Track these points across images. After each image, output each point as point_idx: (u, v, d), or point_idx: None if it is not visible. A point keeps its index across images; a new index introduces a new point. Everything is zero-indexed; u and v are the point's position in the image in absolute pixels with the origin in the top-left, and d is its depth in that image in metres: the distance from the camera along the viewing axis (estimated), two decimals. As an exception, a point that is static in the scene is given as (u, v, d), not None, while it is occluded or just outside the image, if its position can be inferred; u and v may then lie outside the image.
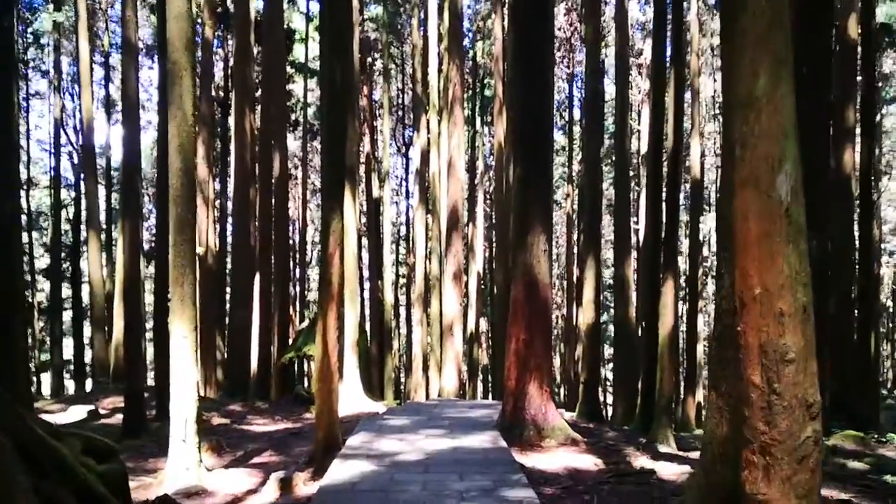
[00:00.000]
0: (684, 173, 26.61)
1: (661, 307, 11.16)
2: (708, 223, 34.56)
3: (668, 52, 13.33)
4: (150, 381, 21.16)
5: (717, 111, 35.91)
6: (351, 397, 15.33)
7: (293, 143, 35.65)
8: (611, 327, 32.59)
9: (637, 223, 31.09)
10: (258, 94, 23.89)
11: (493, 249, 46.84)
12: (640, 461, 9.00)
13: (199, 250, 20.31)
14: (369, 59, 36.49)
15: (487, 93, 40.62)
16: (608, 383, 40.98)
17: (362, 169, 35.54)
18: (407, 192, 43.52)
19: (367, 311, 35.44)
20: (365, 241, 38.06)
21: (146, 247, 27.46)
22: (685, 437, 12.92)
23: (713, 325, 4.73)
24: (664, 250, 11.47)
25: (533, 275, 10.10)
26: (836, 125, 15.24)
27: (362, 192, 37.04)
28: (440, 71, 24.31)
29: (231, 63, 22.69)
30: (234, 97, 18.46)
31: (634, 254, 29.00)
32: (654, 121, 12.89)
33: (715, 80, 35.56)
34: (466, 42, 35.27)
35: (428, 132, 26.74)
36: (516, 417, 9.97)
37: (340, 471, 7.54)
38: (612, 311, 29.63)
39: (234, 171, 18.06)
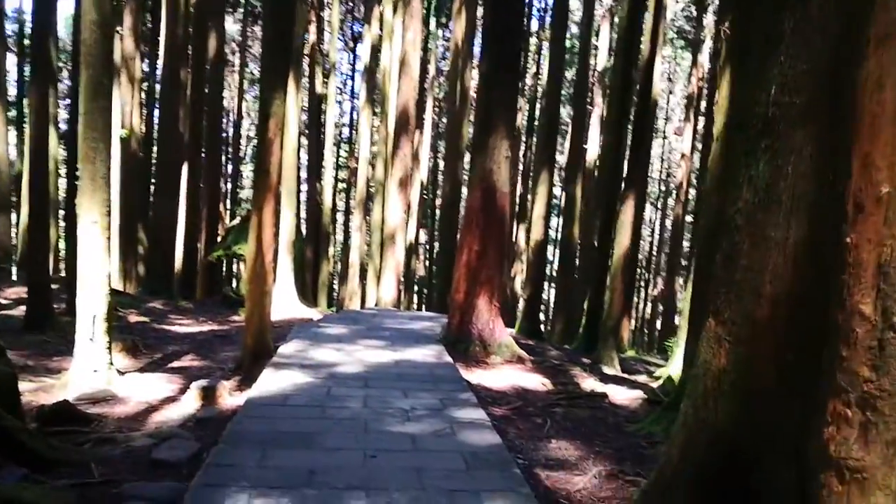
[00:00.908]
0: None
1: (618, 226, 10.58)
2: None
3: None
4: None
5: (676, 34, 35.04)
6: (284, 301, 14.49)
7: (232, 25, 33.17)
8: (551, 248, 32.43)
9: (586, 143, 30.44)
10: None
11: (438, 160, 45.80)
12: (589, 383, 8.57)
13: (123, 132, 18.64)
14: (319, -57, 33.82)
15: (443, -8, 38.54)
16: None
17: (306, 62, 33.53)
18: (353, 91, 41.62)
19: (303, 214, 34.23)
20: (304, 141, 36.41)
21: (65, 127, 25.29)
22: (626, 359, 12.67)
23: (711, 242, 4.01)
24: (631, 168, 10.80)
25: (492, 181, 9.29)
26: None
27: (305, 87, 35.11)
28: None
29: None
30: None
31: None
32: (628, 33, 11.95)
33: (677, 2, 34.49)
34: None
35: (381, 26, 25.04)
36: (463, 331, 9.37)
37: (271, 381, 6.78)
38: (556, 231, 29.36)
39: (163, 47, 16.31)
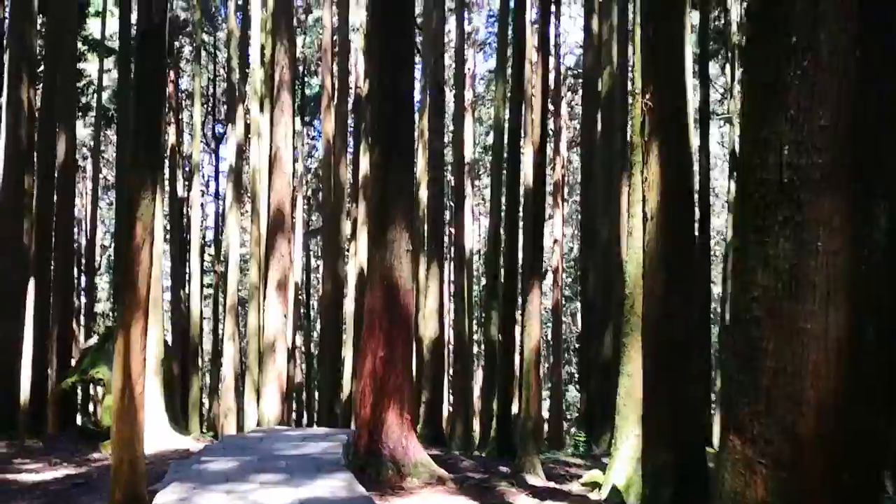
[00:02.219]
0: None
1: (526, 317, 9.98)
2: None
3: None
4: None
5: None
6: (154, 431, 12.65)
7: (84, 130, 31.11)
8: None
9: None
10: (41, 70, 20.05)
11: (311, 259, 44.50)
12: (521, 501, 7.66)
13: (-47, 250, 16.29)
14: (177, 44, 32.94)
15: (308, 92, 38.52)
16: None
17: (166, 164, 31.94)
18: (217, 192, 39.95)
19: (167, 326, 31.67)
20: (166, 247, 34.17)
21: None
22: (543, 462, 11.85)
23: (727, 334, 3.34)
24: (531, 256, 10.34)
25: (393, 278, 8.45)
26: None
27: (165, 192, 33.29)
28: (263, 55, 21.98)
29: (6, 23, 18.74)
30: (7, 58, 14.96)
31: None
32: (513, 117, 11.81)
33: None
34: (288, 35, 32.86)
35: (247, 123, 24.18)
36: (372, 453, 8.23)
37: (148, 549, 5.36)
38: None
39: (3, 149, 14.57)
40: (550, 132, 31.75)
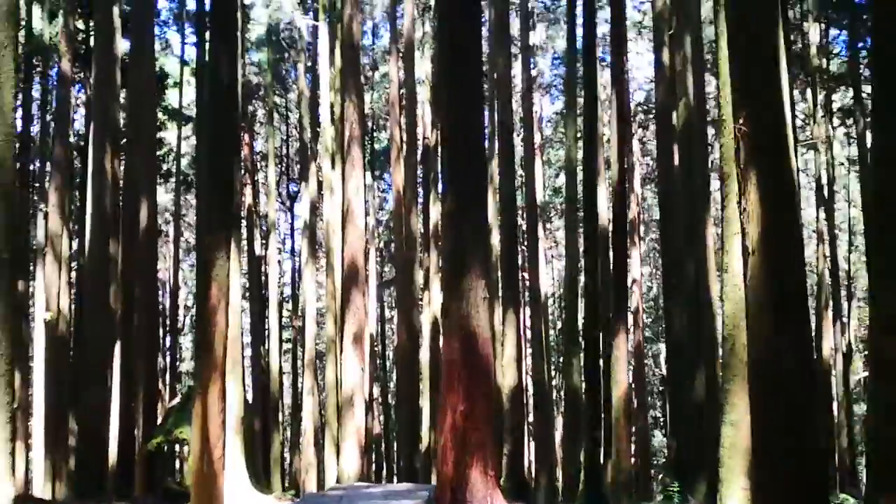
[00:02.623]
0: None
1: (612, 362, 9.46)
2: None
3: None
4: None
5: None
6: (235, 491, 12.57)
7: (165, 195, 32.40)
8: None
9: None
10: (124, 141, 21.07)
11: (385, 311, 44.66)
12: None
13: (47, 315, 16.97)
14: (251, 108, 34.15)
15: (377, 146, 39.18)
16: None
17: (243, 224, 32.83)
18: (293, 249, 40.82)
19: (247, 381, 32.13)
20: (246, 305, 34.89)
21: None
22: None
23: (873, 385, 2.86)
24: (617, 297, 9.86)
25: (471, 328, 8.14)
26: None
27: (243, 252, 34.14)
28: (333, 112, 22.46)
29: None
30: (92, 131, 15.67)
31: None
32: (588, 157, 11.46)
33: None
34: (355, 92, 33.67)
35: (319, 180, 24.63)
36: (456, 512, 7.84)
37: None
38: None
39: (90, 217, 15.14)
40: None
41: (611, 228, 9.96)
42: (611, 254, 10.65)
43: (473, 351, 8.14)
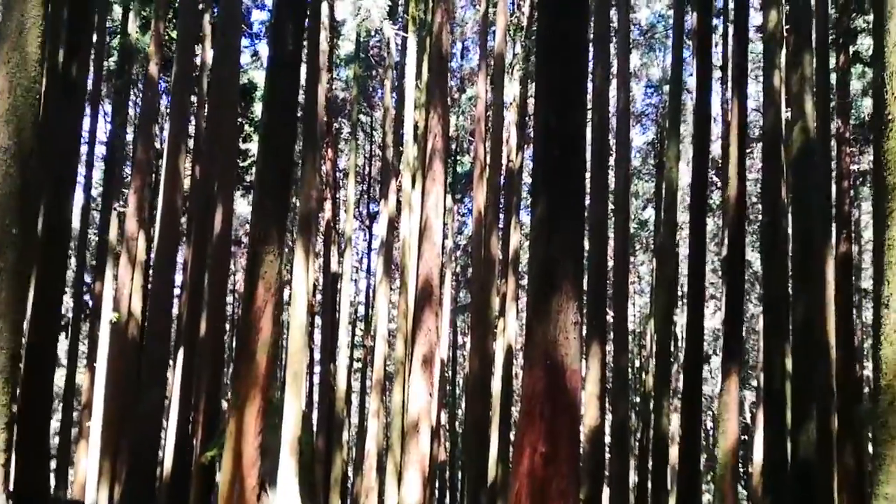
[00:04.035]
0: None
1: (721, 410, 8.06)
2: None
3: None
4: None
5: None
6: (286, 516, 11.67)
7: (245, 207, 32.54)
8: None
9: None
10: (204, 147, 20.93)
11: (458, 337, 43.63)
12: None
13: (113, 316, 16.69)
14: (336, 125, 34.09)
15: (459, 170, 38.55)
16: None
17: (321, 240, 32.59)
18: (368, 268, 40.44)
19: (315, 398, 31.59)
20: (318, 321, 34.55)
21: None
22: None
23: None
24: (728, 335, 8.49)
25: (558, 356, 6.96)
26: None
27: (318, 268, 33.88)
28: (416, 128, 21.80)
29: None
30: (168, 132, 15.39)
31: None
32: (697, 180, 10.16)
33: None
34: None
35: (399, 198, 23.97)
36: (531, 577, 6.62)
37: None
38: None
39: (159, 218, 14.78)
40: (720, 201, 29.27)
41: (726, 258, 8.65)
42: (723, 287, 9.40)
43: (559, 383, 6.95)
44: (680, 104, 15.28)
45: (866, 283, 32.50)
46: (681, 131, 16.03)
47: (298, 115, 23.98)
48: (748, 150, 31.97)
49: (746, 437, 35.65)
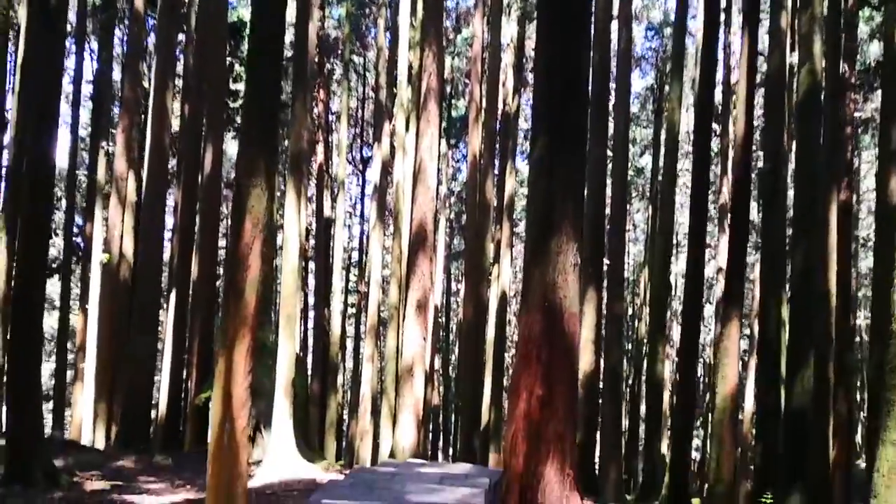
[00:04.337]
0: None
1: (720, 356, 7.94)
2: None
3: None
4: None
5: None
6: (280, 457, 11.67)
7: (236, 148, 31.91)
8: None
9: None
10: (193, 85, 20.31)
11: (452, 283, 43.59)
12: None
13: (104, 258, 16.45)
14: (328, 66, 33.26)
15: (454, 114, 37.93)
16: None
17: (313, 184, 32.18)
18: (362, 214, 40.09)
19: (310, 343, 31.64)
20: (312, 266, 34.39)
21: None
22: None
23: None
24: (728, 281, 8.31)
25: (557, 299, 6.79)
26: None
27: (312, 213, 33.54)
28: (411, 69, 21.23)
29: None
30: (154, 68, 14.87)
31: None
32: (701, 121, 9.83)
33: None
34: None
35: (392, 142, 23.51)
36: (525, 516, 6.59)
37: None
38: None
39: (148, 155, 14.40)
40: (715, 151, 28.85)
41: (729, 203, 8.42)
42: (726, 232, 9.19)
43: (557, 326, 6.80)
44: (684, 44, 14.81)
45: (864, 232, 32.39)
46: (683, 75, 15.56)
47: (289, 52, 23.27)
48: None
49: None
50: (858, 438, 27.18)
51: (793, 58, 18.00)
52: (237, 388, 5.10)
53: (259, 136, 5.05)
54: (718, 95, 27.56)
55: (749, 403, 23.16)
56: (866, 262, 31.27)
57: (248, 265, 5.05)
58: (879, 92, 25.33)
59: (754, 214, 27.35)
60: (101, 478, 11.32)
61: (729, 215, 28.48)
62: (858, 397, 27.70)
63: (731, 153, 30.51)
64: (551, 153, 6.85)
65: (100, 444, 17.00)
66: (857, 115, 22.29)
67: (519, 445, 6.77)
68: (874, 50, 25.87)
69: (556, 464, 6.60)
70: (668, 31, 34.00)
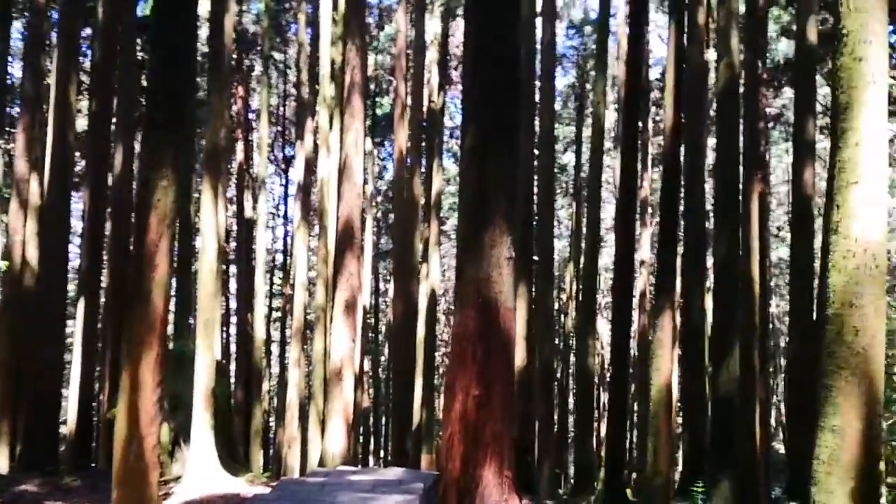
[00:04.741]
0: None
1: (654, 346, 7.86)
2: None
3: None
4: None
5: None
6: (201, 472, 11.01)
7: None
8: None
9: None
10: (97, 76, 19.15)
11: (380, 283, 43.06)
12: None
13: (2, 265, 15.28)
14: (247, 62, 32.23)
15: (378, 112, 37.46)
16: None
17: (233, 185, 31.14)
18: (285, 215, 39.07)
19: (233, 349, 30.59)
20: (233, 269, 33.26)
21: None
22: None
23: None
24: (660, 271, 8.24)
25: (491, 294, 6.52)
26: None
27: (233, 214, 32.46)
28: (333, 64, 20.66)
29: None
30: (56, 58, 13.89)
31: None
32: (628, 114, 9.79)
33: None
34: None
35: (316, 143, 22.89)
36: (462, 522, 6.29)
37: None
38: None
39: (49, 156, 13.43)
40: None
41: (655, 195, 8.37)
42: (648, 226, 9.13)
43: (493, 323, 6.53)
44: (607, 37, 14.88)
45: (774, 223, 33.65)
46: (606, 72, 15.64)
47: (205, 49, 22.24)
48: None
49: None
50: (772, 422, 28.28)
51: (708, 54, 18.43)
52: (145, 402, 4.59)
53: (166, 121, 4.55)
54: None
55: (674, 394, 23.65)
56: (777, 252, 32.50)
57: (155, 265, 4.55)
58: (787, 88, 26.40)
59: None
60: (1, 504, 10.42)
61: (649, 209, 29.10)
62: (771, 382, 28.79)
63: (650, 149, 31.18)
64: (483, 142, 6.57)
65: (2, 467, 15.82)
66: (767, 110, 23.06)
67: (455, 448, 6.47)
68: (782, 47, 26.91)
69: (494, 466, 6.33)
70: (588, 29, 34.43)
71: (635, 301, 32.85)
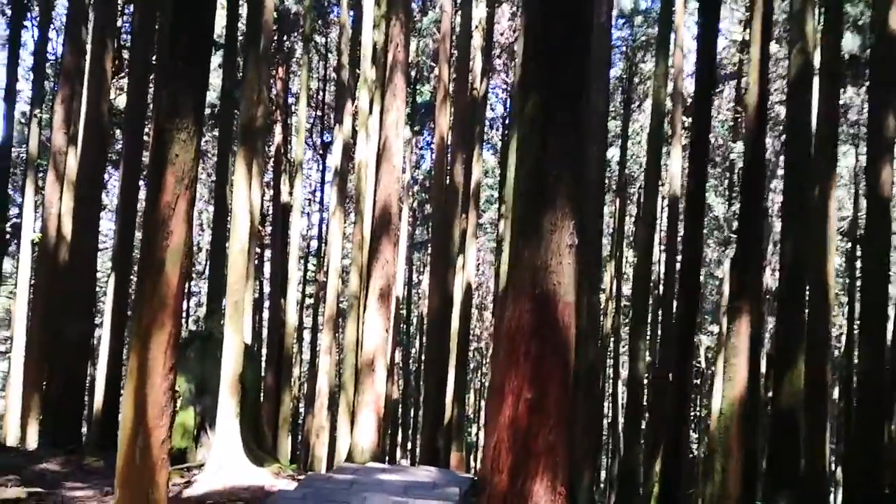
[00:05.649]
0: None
1: (728, 354, 7.01)
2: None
3: None
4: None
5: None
6: (225, 461, 10.47)
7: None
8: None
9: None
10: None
11: (414, 274, 42.47)
12: None
13: (35, 236, 14.94)
14: (288, 44, 31.77)
15: (419, 99, 36.82)
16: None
17: (270, 169, 30.81)
18: (321, 201, 38.70)
19: (265, 334, 30.28)
20: (268, 254, 32.97)
21: None
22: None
23: None
24: (742, 265, 7.39)
25: (549, 285, 5.76)
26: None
27: (269, 199, 32.13)
28: (375, 45, 20.02)
29: None
30: (91, 26, 13.44)
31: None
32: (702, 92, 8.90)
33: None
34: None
35: (354, 123, 22.27)
36: (509, 541, 5.56)
37: None
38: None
39: (83, 127, 12.99)
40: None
41: (741, 176, 7.53)
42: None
43: (550, 317, 5.77)
44: (671, 19, 13.95)
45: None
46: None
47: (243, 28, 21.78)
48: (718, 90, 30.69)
49: (699, 383, 35.69)
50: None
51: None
52: (154, 390, 3.95)
53: (186, 68, 3.88)
54: (691, 85, 26.90)
55: (717, 404, 22.61)
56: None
57: (170, 231, 3.91)
58: (850, 87, 25.02)
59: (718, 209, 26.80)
60: (18, 483, 9.98)
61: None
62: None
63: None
64: (543, 116, 5.79)
65: (32, 443, 15.56)
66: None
67: (503, 458, 5.73)
68: (846, 43, 25.56)
69: (547, 481, 5.58)
70: (638, 19, 33.35)
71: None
